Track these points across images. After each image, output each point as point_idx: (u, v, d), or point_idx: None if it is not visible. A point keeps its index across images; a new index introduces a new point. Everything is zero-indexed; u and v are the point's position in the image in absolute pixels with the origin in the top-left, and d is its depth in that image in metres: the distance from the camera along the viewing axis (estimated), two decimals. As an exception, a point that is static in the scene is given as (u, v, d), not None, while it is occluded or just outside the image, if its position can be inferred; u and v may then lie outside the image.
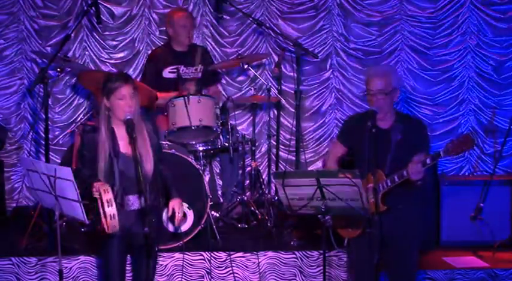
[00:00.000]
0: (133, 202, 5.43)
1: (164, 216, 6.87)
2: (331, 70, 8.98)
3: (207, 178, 7.62)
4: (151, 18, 8.77)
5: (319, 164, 8.96)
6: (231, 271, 6.93)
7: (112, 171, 5.35)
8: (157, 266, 6.72)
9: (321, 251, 6.66)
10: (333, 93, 9.01)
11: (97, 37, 8.73)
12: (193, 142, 7.46)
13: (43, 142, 7.73)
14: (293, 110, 8.38)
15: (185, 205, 6.94)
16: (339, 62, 8.97)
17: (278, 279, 6.98)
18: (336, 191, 5.29)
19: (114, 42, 8.79)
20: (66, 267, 6.77)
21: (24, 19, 8.58)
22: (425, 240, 5.96)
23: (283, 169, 8.42)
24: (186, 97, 7.21)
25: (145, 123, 5.54)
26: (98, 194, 5.15)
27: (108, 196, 5.11)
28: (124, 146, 5.43)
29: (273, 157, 8.51)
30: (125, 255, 5.61)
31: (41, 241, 7.07)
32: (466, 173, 8.98)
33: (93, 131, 5.46)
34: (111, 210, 5.11)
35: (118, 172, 5.37)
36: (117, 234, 5.32)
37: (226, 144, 7.52)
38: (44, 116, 7.31)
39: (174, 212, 5.58)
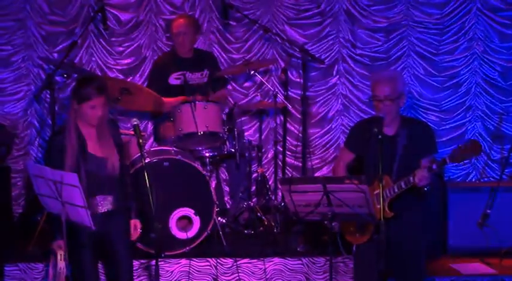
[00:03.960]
0: (102, 202, 5.45)
1: (170, 222, 6.90)
2: (337, 76, 8.97)
3: (213, 184, 7.61)
4: (157, 24, 8.78)
5: (325, 170, 8.96)
6: (237, 277, 6.93)
7: (79, 172, 5.34)
8: (163, 272, 6.75)
9: (328, 258, 6.65)
10: (340, 100, 8.99)
11: (104, 43, 8.73)
12: (200, 148, 7.46)
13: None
14: (300, 116, 8.38)
15: (192, 211, 6.97)
16: (346, 68, 8.96)
17: (284, 285, 6.99)
18: (342, 197, 5.29)
19: (121, 49, 8.79)
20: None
21: (31, 25, 8.59)
22: (432, 246, 5.93)
23: (290, 175, 8.41)
24: (192, 103, 7.21)
25: (110, 125, 5.58)
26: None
27: (63, 263, 5.30)
28: (92, 147, 5.45)
29: (280, 163, 8.50)
30: (97, 260, 5.65)
31: (48, 246, 7.07)
32: (473, 180, 8.96)
33: (60, 133, 5.47)
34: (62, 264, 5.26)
35: (85, 172, 5.38)
36: (87, 241, 5.37)
37: (233, 150, 7.51)
38: (50, 122, 7.34)
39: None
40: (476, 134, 8.95)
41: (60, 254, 5.33)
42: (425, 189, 5.59)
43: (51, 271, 5.45)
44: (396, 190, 5.61)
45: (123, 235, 5.53)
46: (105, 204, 5.49)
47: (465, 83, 8.98)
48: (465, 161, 8.24)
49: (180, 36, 7.95)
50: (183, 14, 8.47)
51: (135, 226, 5.65)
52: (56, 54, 8.61)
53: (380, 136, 5.36)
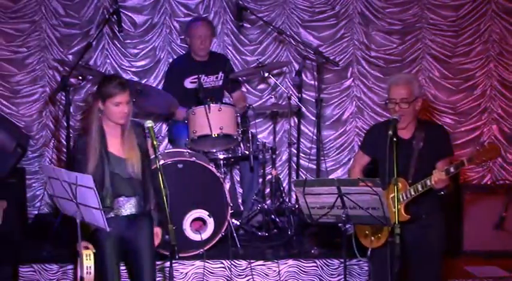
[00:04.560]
0: (125, 204, 5.44)
1: (184, 224, 6.91)
2: (352, 78, 8.97)
3: (227, 186, 7.61)
4: (172, 26, 8.80)
5: (340, 173, 8.95)
6: (251, 279, 6.93)
7: (102, 172, 5.36)
8: (178, 274, 6.76)
9: (342, 260, 6.64)
10: (354, 102, 8.99)
11: (118, 45, 8.76)
12: (214, 150, 7.46)
13: (64, 150, 7.78)
14: (314, 119, 8.38)
15: (206, 213, 6.97)
16: (360, 71, 8.95)
17: (298, 288, 6.99)
18: (356, 199, 5.28)
19: (135, 51, 8.82)
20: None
21: (46, 27, 8.62)
22: (447, 249, 5.91)
23: (304, 177, 8.41)
24: (206, 105, 7.22)
25: (135, 127, 5.57)
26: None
27: (89, 263, 5.26)
28: (115, 147, 5.45)
29: (294, 165, 8.50)
30: (119, 263, 5.61)
31: (63, 248, 7.09)
32: (488, 182, 8.94)
33: (85, 134, 5.47)
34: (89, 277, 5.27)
35: (108, 172, 5.38)
36: (109, 242, 5.38)
37: (247, 152, 7.51)
38: (65, 124, 7.36)
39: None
40: (492, 137, 8.94)
41: (87, 255, 5.31)
42: (442, 192, 5.57)
43: (79, 273, 5.43)
44: (413, 193, 5.59)
45: (147, 240, 5.50)
46: (128, 206, 5.48)
47: (480, 86, 8.97)
48: (482, 164, 8.22)
49: (200, 41, 7.97)
50: (201, 18, 8.48)
51: (156, 234, 5.64)
52: (70, 56, 8.64)
53: (395, 139, 5.35)
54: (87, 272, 5.28)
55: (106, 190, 5.36)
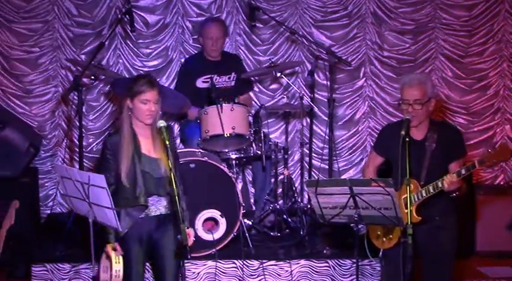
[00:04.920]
0: (155, 204, 5.45)
1: (196, 224, 6.92)
2: (364, 78, 8.97)
3: (239, 186, 7.61)
4: (184, 26, 8.81)
5: (352, 173, 8.95)
6: (263, 279, 6.94)
7: (135, 172, 5.37)
8: (190, 274, 6.77)
9: (354, 260, 6.65)
10: (366, 102, 8.99)
11: (131, 45, 8.79)
12: (226, 150, 7.46)
13: (77, 149, 7.82)
14: (326, 119, 8.37)
15: (218, 212, 6.98)
16: (373, 71, 8.95)
17: (311, 288, 7.00)
18: (369, 200, 5.28)
19: (148, 50, 8.84)
20: (100, 274, 6.82)
21: (58, 27, 8.65)
22: (459, 249, 5.90)
23: (316, 177, 8.41)
24: (219, 105, 7.23)
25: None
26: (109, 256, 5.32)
27: (118, 266, 5.27)
28: (146, 147, 5.45)
29: (306, 165, 8.50)
30: (145, 262, 5.61)
31: (75, 247, 7.12)
32: (501, 183, 8.92)
33: (116, 133, 5.48)
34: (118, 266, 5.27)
35: (140, 171, 5.40)
36: (137, 242, 5.39)
37: (259, 152, 7.51)
38: (78, 124, 7.38)
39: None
40: (505, 137, 8.92)
41: (116, 257, 5.32)
42: (454, 194, 5.56)
43: (103, 275, 5.43)
44: (424, 195, 5.58)
45: (173, 242, 5.49)
46: (158, 207, 5.48)
47: (493, 86, 8.96)
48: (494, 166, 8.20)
49: (212, 42, 7.97)
50: (215, 18, 8.48)
51: (188, 235, 5.63)
52: (83, 56, 8.67)
53: (408, 139, 5.34)
54: (115, 275, 5.28)
55: (139, 189, 5.36)
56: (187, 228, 5.46)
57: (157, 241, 5.49)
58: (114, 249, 5.34)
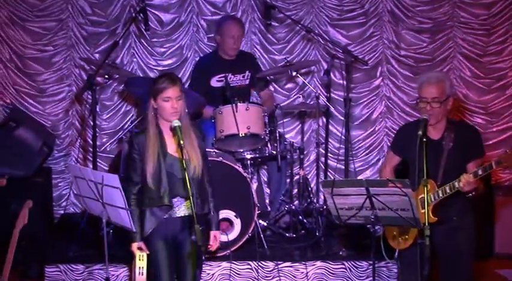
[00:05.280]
0: (180, 206, 5.43)
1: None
2: (381, 78, 8.94)
3: (254, 186, 7.60)
4: (199, 25, 8.82)
5: (368, 173, 8.93)
6: (278, 281, 6.94)
7: (160, 172, 5.36)
8: (204, 275, 6.76)
9: (371, 262, 6.62)
10: (383, 101, 8.97)
11: (145, 44, 8.80)
12: (241, 150, 7.45)
13: (91, 149, 7.82)
14: (342, 118, 8.35)
15: (233, 213, 6.97)
16: (390, 70, 8.92)
17: (326, 289, 6.98)
18: (385, 200, 5.26)
19: (162, 49, 8.85)
20: (113, 275, 6.83)
21: (72, 26, 8.68)
22: (477, 251, 5.87)
23: (332, 177, 8.39)
24: (234, 104, 7.21)
25: (194, 128, 5.55)
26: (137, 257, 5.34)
27: (142, 263, 5.29)
28: (172, 147, 5.43)
29: (322, 165, 8.48)
30: (172, 263, 5.54)
31: (88, 248, 7.13)
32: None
33: (142, 132, 5.47)
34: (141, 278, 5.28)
35: (165, 172, 5.38)
36: (162, 244, 5.38)
37: (274, 152, 7.49)
38: (91, 123, 7.39)
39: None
40: (525, 137, 8.88)
41: (140, 255, 5.33)
42: (471, 194, 5.52)
43: (138, 277, 5.45)
44: (441, 195, 5.55)
45: (198, 242, 5.46)
46: (182, 208, 5.47)
47: (513, 85, 8.91)
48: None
49: (233, 40, 7.94)
50: (235, 17, 8.46)
51: (215, 237, 5.61)
52: (97, 55, 8.69)
53: (425, 139, 5.32)
54: (139, 273, 5.30)
55: (164, 189, 5.35)
56: (215, 230, 5.53)
57: (181, 242, 5.47)
58: (140, 248, 5.36)
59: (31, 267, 7.17)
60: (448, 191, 5.51)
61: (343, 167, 8.03)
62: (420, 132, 5.33)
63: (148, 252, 5.38)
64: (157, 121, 5.44)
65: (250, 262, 6.95)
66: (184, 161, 5.15)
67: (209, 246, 5.57)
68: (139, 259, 5.33)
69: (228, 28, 7.97)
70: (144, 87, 5.82)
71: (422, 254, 5.19)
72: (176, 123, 5.27)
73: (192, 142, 5.44)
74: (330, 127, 8.57)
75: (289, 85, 8.97)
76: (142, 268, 5.32)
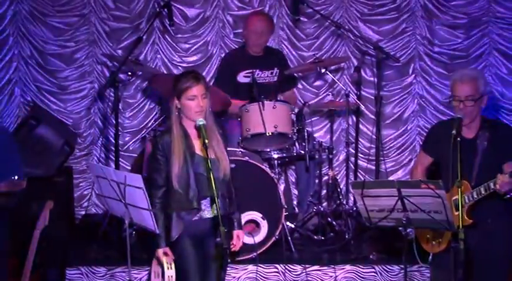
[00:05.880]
0: (209, 207, 5.44)
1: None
2: (413, 75, 8.92)
3: (282, 187, 7.61)
4: (225, 20, 8.83)
5: (400, 174, 8.91)
6: (306, 285, 6.94)
7: (187, 173, 5.37)
8: (230, 278, 6.77)
9: (402, 266, 6.60)
10: (416, 100, 8.94)
11: (169, 40, 8.83)
12: (268, 150, 7.46)
13: (113, 148, 7.85)
14: (373, 117, 8.35)
15: (259, 215, 6.98)
16: (422, 67, 8.89)
17: (356, 294, 6.98)
18: (418, 202, 5.24)
19: (187, 45, 8.87)
20: (136, 278, 6.85)
21: (95, 21, 8.73)
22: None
23: (362, 178, 8.38)
24: (260, 102, 7.22)
25: (217, 127, 5.56)
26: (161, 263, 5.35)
27: (171, 272, 5.30)
28: (199, 147, 5.43)
29: (352, 165, 8.48)
30: (202, 267, 5.53)
31: (111, 250, 7.17)
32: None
33: (167, 133, 5.46)
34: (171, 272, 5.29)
35: (193, 173, 5.39)
36: (192, 246, 5.39)
37: (302, 152, 7.49)
38: (114, 121, 7.42)
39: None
40: None
41: (169, 263, 5.33)
42: (508, 196, 5.49)
43: (154, 280, 5.47)
44: (475, 196, 5.52)
45: (223, 244, 5.46)
46: (210, 209, 5.48)
47: (551, 83, 8.86)
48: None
49: (256, 36, 7.94)
50: (261, 12, 8.47)
51: (238, 237, 5.63)
52: (120, 51, 8.73)
53: (459, 139, 5.30)
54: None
55: (193, 192, 5.35)
56: (239, 229, 5.56)
57: (208, 244, 5.47)
58: (166, 254, 5.36)
59: (51, 269, 7.20)
60: (483, 192, 5.48)
61: (373, 167, 8.03)
62: (454, 132, 5.31)
63: (173, 258, 5.38)
64: (181, 121, 5.45)
65: (277, 265, 6.94)
66: (209, 161, 5.16)
67: (232, 246, 5.58)
68: (168, 268, 5.31)
69: (251, 23, 7.96)
70: (168, 84, 5.83)
71: (456, 259, 5.17)
72: (201, 122, 5.27)
73: (219, 141, 5.45)
74: (360, 126, 8.57)
75: (317, 83, 8.97)
76: (172, 277, 5.30)
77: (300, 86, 8.81)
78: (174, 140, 5.36)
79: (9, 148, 6.12)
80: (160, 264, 5.36)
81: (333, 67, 8.56)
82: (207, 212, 5.44)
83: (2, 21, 8.67)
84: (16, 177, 5.91)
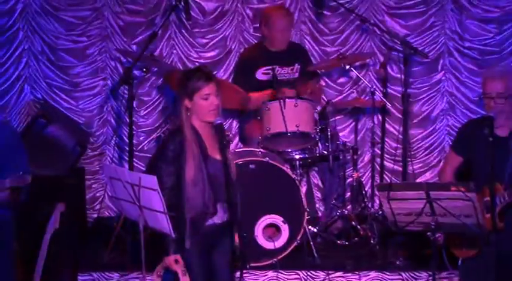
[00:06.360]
0: (221, 211, 5.42)
1: (256, 231, 6.92)
2: (443, 72, 8.89)
3: (304, 189, 7.61)
4: (244, 14, 8.83)
5: (428, 176, 8.87)
6: (329, 292, 6.93)
7: (202, 177, 5.33)
8: (248, 285, 6.79)
9: (430, 273, 6.57)
10: (445, 98, 8.91)
11: (186, 34, 8.83)
12: (289, 150, 7.46)
13: (127, 148, 7.85)
14: (400, 116, 8.31)
15: (280, 218, 6.97)
16: (452, 63, 8.86)
17: (382, 302, 6.96)
18: (447, 206, 5.21)
19: (204, 40, 8.87)
20: (150, 284, 6.87)
21: (108, 15, 8.74)
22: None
23: (389, 180, 8.36)
24: (282, 100, 7.20)
25: (222, 128, 5.53)
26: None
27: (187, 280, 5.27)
28: (211, 150, 5.41)
29: (377, 167, 8.47)
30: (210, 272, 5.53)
31: (124, 255, 7.17)
32: None
33: (177, 134, 5.37)
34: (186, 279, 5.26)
35: (208, 179, 5.37)
36: (200, 253, 5.38)
37: (326, 152, 7.50)
38: (128, 120, 7.43)
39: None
40: None
41: (182, 270, 5.31)
42: (542, 198, 5.48)
43: None
44: (507, 198, 5.51)
45: (227, 253, 5.47)
46: (222, 213, 5.47)
47: None
48: None
49: (281, 33, 7.90)
50: (284, 8, 8.41)
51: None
52: (134, 46, 8.76)
53: (491, 138, 5.27)
54: None
55: (208, 197, 5.32)
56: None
57: (217, 249, 5.47)
58: (177, 261, 5.34)
59: (63, 275, 7.23)
60: (515, 193, 5.48)
61: (400, 168, 8.01)
62: (486, 131, 5.29)
63: (183, 263, 5.35)
64: (191, 122, 5.41)
65: (298, 272, 6.94)
66: (227, 163, 5.15)
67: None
68: (184, 274, 5.29)
69: (276, 21, 7.88)
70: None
71: (487, 263, 5.15)
72: (218, 120, 5.27)
73: (227, 144, 5.43)
74: (387, 125, 8.54)
75: (341, 79, 8.95)
76: (184, 270, 5.29)
77: (323, 83, 8.79)
78: (187, 142, 5.32)
79: (14, 142, 6.08)
80: (172, 272, 5.34)
81: (357, 63, 8.55)
82: (219, 217, 5.42)
83: (11, 15, 8.71)
84: (21, 172, 5.90)
